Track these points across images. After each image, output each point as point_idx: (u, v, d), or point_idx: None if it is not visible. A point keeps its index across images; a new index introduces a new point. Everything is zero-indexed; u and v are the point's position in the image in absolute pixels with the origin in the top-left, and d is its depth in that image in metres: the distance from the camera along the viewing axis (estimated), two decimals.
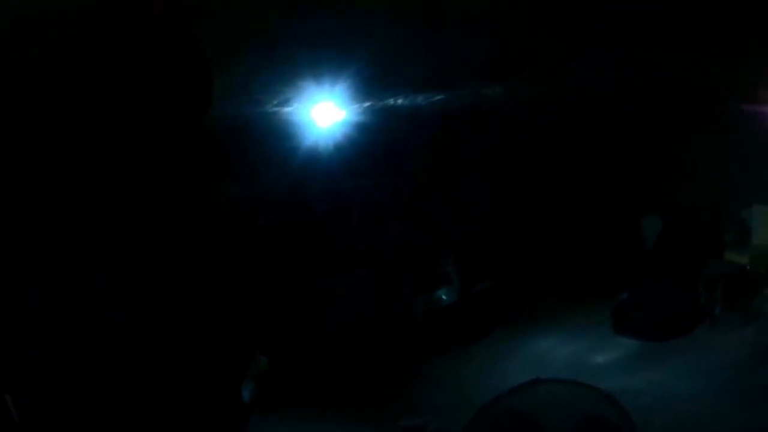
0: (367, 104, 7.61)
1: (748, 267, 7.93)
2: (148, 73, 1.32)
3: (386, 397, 7.34)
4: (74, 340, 1.27)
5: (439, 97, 7.65)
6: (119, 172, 1.32)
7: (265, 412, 6.65)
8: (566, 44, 5.50)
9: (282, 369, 8.05)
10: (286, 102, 6.90)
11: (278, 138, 8.18)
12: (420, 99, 7.68)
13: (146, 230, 1.37)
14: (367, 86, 6.66)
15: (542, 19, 4.73)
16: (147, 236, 1.37)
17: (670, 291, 8.21)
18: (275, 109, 7.12)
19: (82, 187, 1.30)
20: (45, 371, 1.27)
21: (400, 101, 7.69)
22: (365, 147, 8.84)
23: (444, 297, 9.42)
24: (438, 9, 4.69)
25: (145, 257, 1.37)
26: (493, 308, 9.30)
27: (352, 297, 9.30)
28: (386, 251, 9.75)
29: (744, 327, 7.51)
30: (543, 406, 3.67)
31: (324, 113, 7.56)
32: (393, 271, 9.54)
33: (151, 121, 1.31)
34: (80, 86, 1.31)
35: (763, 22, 5.05)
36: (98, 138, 1.30)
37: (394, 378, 7.86)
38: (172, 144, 1.35)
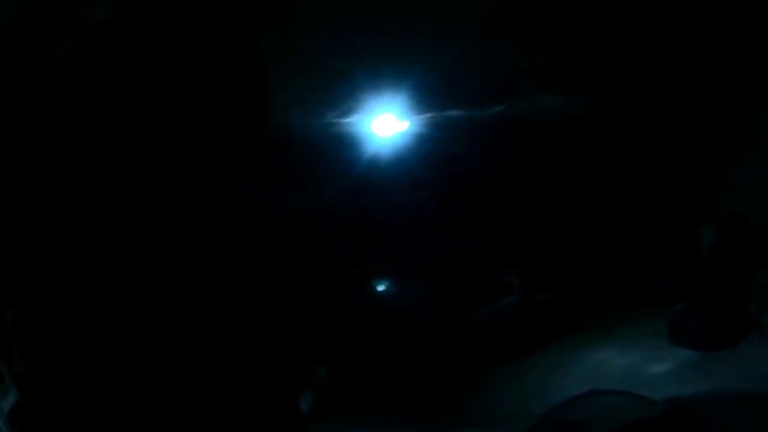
0: (427, 116, 7.65)
1: None
2: (151, 74, 1.35)
3: (444, 406, 7.35)
4: (74, 340, 1.30)
5: (498, 109, 7.66)
6: (123, 172, 1.36)
7: (322, 420, 6.74)
8: (622, 55, 5.47)
9: (340, 378, 8.12)
10: (346, 113, 6.98)
11: (338, 149, 8.28)
12: (479, 110, 7.69)
13: (148, 231, 1.40)
14: (428, 98, 6.70)
15: (599, 31, 4.72)
16: (148, 237, 1.40)
17: (723, 301, 8.11)
18: (335, 120, 7.21)
19: (84, 187, 1.34)
20: (45, 371, 1.30)
21: (460, 113, 7.72)
22: (426, 158, 8.88)
23: (505, 307, 9.37)
24: (497, 23, 4.71)
25: (145, 257, 1.40)
26: (554, 319, 9.24)
27: (413, 307, 9.34)
28: (448, 262, 9.77)
29: None
30: (598, 417, 3.68)
31: (385, 125, 7.62)
32: (454, 282, 9.55)
33: (151, 123, 1.34)
34: (90, 90, 1.35)
35: None
36: (103, 139, 1.34)
37: (453, 387, 7.86)
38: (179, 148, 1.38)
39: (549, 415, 3.94)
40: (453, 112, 7.64)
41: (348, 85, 5.95)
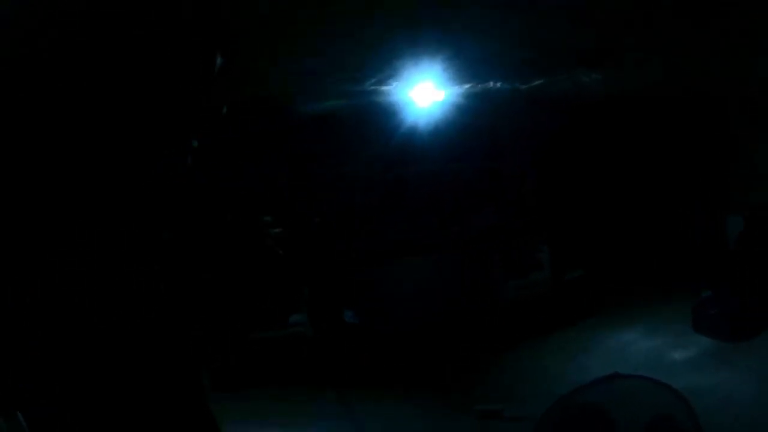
0: (466, 86, 7.59)
1: None
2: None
3: (467, 382, 7.35)
4: (71, 339, 1.29)
5: (537, 82, 7.56)
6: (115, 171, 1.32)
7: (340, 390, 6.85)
8: (664, 35, 5.36)
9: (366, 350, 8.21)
10: (384, 81, 6.93)
11: (376, 117, 8.25)
12: (519, 83, 7.60)
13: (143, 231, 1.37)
14: (466, 68, 6.63)
15: (642, 8, 4.62)
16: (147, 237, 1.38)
17: (747, 291, 8.01)
18: (373, 87, 7.17)
19: (79, 185, 1.31)
20: (42, 374, 1.30)
21: (499, 84, 7.64)
22: (463, 129, 8.82)
23: (534, 284, 9.32)
24: None
25: (142, 257, 1.37)
26: (581, 298, 9.19)
27: (442, 280, 9.34)
28: (480, 235, 9.73)
29: None
30: (618, 401, 3.63)
31: (423, 94, 7.56)
32: (484, 256, 9.51)
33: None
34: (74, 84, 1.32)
35: None
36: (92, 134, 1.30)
37: (477, 364, 7.87)
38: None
39: (569, 397, 3.89)
40: (492, 84, 7.56)
41: (387, 53, 5.90)
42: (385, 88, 7.26)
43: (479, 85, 7.63)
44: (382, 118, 8.36)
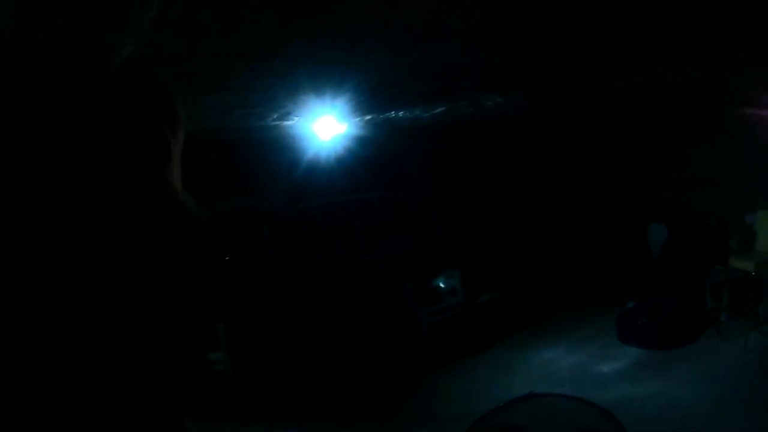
0: (368, 117, 7.61)
1: (753, 273, 7.78)
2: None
3: (389, 407, 7.31)
4: (71, 340, 1.24)
5: (440, 109, 7.64)
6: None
7: (269, 422, 6.70)
8: (567, 55, 5.49)
9: (284, 380, 8.09)
10: (286, 116, 6.90)
11: (279, 151, 8.20)
12: (420, 111, 7.67)
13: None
14: (367, 100, 6.65)
15: (543, 31, 4.72)
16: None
17: (675, 299, 8.17)
18: (276, 122, 7.13)
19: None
20: (41, 375, 1.24)
21: (401, 114, 7.69)
22: (367, 159, 8.85)
23: (448, 308, 9.37)
24: (439, 22, 4.68)
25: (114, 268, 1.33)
26: (498, 319, 9.29)
27: (355, 309, 9.31)
28: (389, 263, 9.75)
29: (749, 333, 7.46)
30: (539, 420, 3.65)
31: (325, 126, 7.56)
32: (396, 284, 9.53)
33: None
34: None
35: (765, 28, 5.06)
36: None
37: (398, 389, 7.85)
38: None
39: (487, 418, 3.88)
40: (393, 114, 7.61)
41: (288, 87, 5.87)
42: (287, 122, 7.23)
43: (381, 116, 7.67)
44: (285, 152, 8.33)
